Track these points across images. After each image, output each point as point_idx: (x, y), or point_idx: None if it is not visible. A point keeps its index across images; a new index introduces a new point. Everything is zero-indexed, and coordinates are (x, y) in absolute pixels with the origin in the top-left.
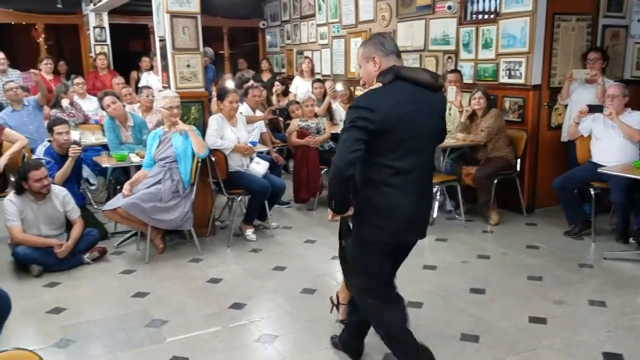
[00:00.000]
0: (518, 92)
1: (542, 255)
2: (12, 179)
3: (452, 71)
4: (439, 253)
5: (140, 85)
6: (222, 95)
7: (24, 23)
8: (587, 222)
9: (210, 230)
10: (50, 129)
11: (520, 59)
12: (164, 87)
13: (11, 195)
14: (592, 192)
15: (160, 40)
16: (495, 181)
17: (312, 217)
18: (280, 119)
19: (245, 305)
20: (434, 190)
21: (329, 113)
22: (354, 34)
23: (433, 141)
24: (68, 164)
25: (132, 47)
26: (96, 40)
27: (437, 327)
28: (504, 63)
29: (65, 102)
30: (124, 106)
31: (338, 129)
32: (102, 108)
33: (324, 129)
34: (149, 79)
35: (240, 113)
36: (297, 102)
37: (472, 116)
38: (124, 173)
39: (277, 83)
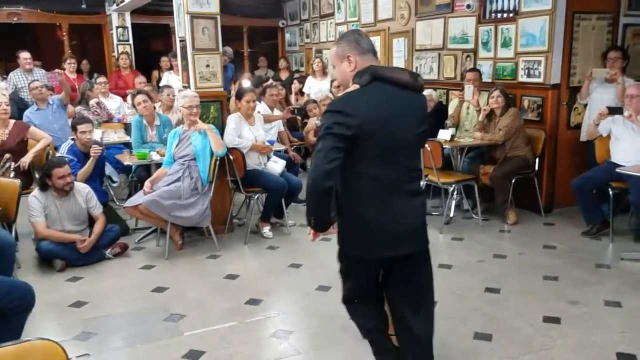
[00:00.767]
0: (537, 91)
1: (559, 255)
2: (37, 175)
3: (470, 70)
4: (455, 252)
5: (161, 84)
6: (239, 94)
7: (49, 23)
8: (605, 222)
9: (228, 228)
10: (73, 128)
11: (540, 58)
12: (184, 86)
13: (36, 191)
14: (611, 192)
15: (181, 41)
16: (513, 180)
17: None
18: (299, 117)
19: (261, 301)
20: (451, 189)
21: None
22: (372, 33)
23: (416, 145)
24: (89, 163)
25: (154, 47)
26: (119, 40)
27: (451, 325)
28: (523, 62)
29: (93, 101)
30: (154, 107)
31: None
32: (133, 106)
33: None
34: (170, 78)
35: (258, 112)
36: (315, 101)
37: (490, 115)
38: (145, 170)
39: (295, 82)
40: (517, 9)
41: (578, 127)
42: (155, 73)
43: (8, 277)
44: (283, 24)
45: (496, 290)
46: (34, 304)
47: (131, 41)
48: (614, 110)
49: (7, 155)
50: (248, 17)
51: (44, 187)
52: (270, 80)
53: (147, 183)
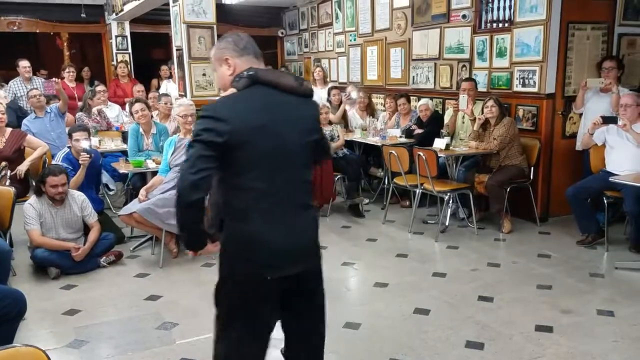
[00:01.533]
0: (532, 101)
1: (553, 264)
2: (33, 183)
3: (466, 79)
4: (449, 260)
5: (160, 92)
6: None
7: (49, 32)
8: (600, 231)
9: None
10: (70, 135)
11: (534, 68)
12: (180, 95)
13: (32, 199)
14: (606, 202)
15: (177, 50)
16: (508, 189)
17: (325, 224)
18: None
19: None
20: (446, 198)
21: (345, 120)
22: (370, 42)
23: (305, 154)
24: (80, 172)
25: (154, 55)
26: (118, 49)
27: (443, 333)
28: (518, 72)
29: (95, 109)
30: (151, 116)
31: (353, 136)
32: (131, 114)
33: (338, 136)
34: (168, 86)
35: None
36: None
37: (485, 124)
38: (140, 179)
39: None
40: (512, 19)
41: (573, 136)
42: (154, 81)
43: (3, 284)
44: (282, 33)
45: (489, 298)
46: (25, 311)
47: (130, 50)
48: (608, 120)
49: (3, 164)
50: (248, 26)
51: (38, 193)
52: None
53: (142, 191)
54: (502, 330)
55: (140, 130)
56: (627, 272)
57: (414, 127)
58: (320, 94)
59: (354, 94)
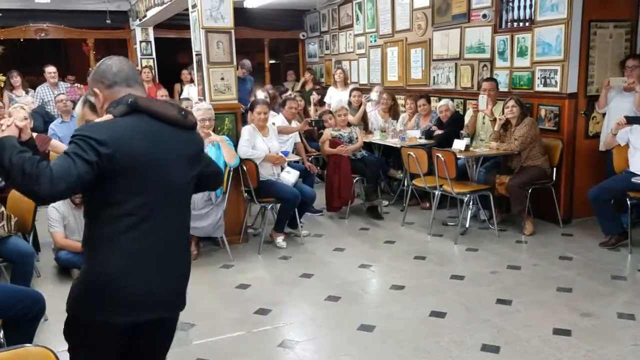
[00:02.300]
0: (553, 101)
1: (574, 266)
2: None
3: (487, 79)
4: (468, 263)
5: (181, 97)
6: (252, 106)
7: (76, 38)
8: (623, 232)
9: (242, 238)
10: None
11: (556, 67)
12: (199, 99)
13: (56, 202)
14: (629, 202)
15: (197, 55)
16: (530, 190)
17: (343, 226)
18: (315, 128)
19: (270, 311)
20: (465, 199)
21: (365, 122)
22: (390, 43)
23: (186, 194)
24: None
25: (180, 60)
26: (142, 54)
27: (459, 337)
28: (539, 71)
29: None
30: None
31: (372, 138)
32: None
33: (357, 138)
34: (190, 91)
35: (273, 124)
36: (331, 112)
37: (506, 125)
38: None
39: (314, 93)
40: (532, 18)
41: (597, 136)
42: (177, 86)
43: (27, 285)
44: (304, 35)
45: (507, 301)
46: (43, 312)
47: (154, 55)
48: (632, 120)
49: None
50: (269, 29)
51: None
52: (289, 92)
53: None
54: (519, 333)
55: None
56: None
57: (433, 128)
58: (340, 96)
59: (374, 96)
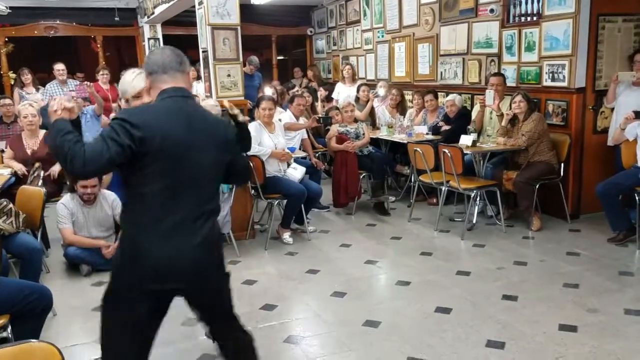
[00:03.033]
0: (561, 95)
1: (582, 262)
2: (67, 183)
3: (494, 74)
4: (475, 259)
5: None
6: (258, 102)
7: (85, 36)
8: (632, 228)
9: (249, 234)
10: None
11: (564, 62)
12: (206, 95)
13: (64, 198)
14: (637, 198)
15: (203, 51)
16: (537, 186)
17: (350, 222)
18: (322, 124)
19: (276, 307)
20: (472, 195)
21: (372, 117)
22: (397, 39)
23: (210, 175)
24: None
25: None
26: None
27: (464, 333)
28: (547, 66)
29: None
30: None
31: (379, 134)
32: None
33: (363, 134)
34: (197, 87)
35: (279, 120)
36: (337, 108)
37: (514, 120)
38: None
39: (321, 89)
40: (540, 12)
41: (605, 131)
42: None
43: (35, 281)
44: (311, 31)
45: (513, 297)
46: (50, 307)
47: None
48: None
49: (37, 164)
50: (277, 25)
51: (72, 190)
52: (297, 88)
53: None
54: (525, 329)
55: None
56: None
57: (441, 123)
58: (348, 92)
59: (381, 91)
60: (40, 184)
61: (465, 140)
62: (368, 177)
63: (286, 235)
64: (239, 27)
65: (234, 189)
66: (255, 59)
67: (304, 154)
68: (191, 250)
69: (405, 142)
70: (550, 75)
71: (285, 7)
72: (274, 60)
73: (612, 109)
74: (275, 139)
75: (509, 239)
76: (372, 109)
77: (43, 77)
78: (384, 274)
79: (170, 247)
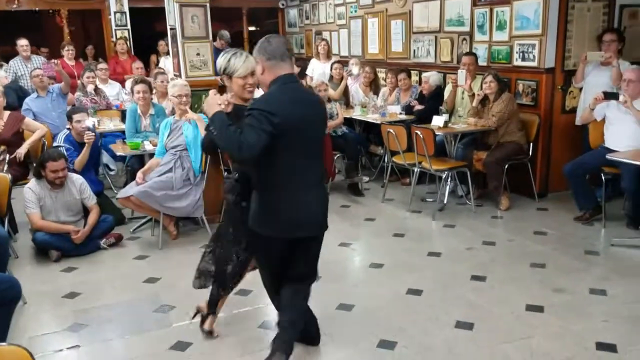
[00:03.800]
0: (531, 75)
1: (549, 241)
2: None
3: (466, 54)
4: (445, 239)
5: (157, 69)
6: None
7: (49, 10)
8: (598, 207)
9: (222, 216)
10: (69, 117)
11: (534, 42)
12: (175, 75)
13: (31, 183)
14: (604, 178)
15: (171, 29)
16: (506, 166)
17: None
18: None
19: (251, 292)
20: (444, 176)
21: (346, 97)
22: (371, 14)
23: (320, 145)
24: (85, 151)
25: (156, 28)
26: (117, 25)
27: (434, 313)
28: (518, 45)
29: (90, 88)
30: (151, 99)
31: (352, 113)
32: (131, 92)
33: (337, 114)
34: (166, 63)
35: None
36: (310, 87)
37: (485, 100)
38: (139, 160)
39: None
40: None
41: (573, 111)
42: (153, 57)
43: (2, 271)
44: (283, 4)
45: (482, 278)
46: (19, 297)
47: (129, 26)
48: (609, 95)
49: (2, 147)
50: None
51: (38, 175)
52: None
53: (139, 174)
54: (493, 309)
55: (139, 111)
56: (623, 249)
57: (414, 103)
58: (323, 68)
59: (355, 69)
60: (5, 168)
61: (437, 121)
62: (342, 158)
63: None
64: (207, 4)
65: (206, 173)
66: (226, 33)
67: None
68: (317, 205)
69: (379, 122)
70: (521, 54)
71: None
72: (245, 34)
73: (581, 89)
74: None
75: (478, 218)
76: (346, 87)
77: (6, 51)
78: (358, 256)
79: (302, 204)
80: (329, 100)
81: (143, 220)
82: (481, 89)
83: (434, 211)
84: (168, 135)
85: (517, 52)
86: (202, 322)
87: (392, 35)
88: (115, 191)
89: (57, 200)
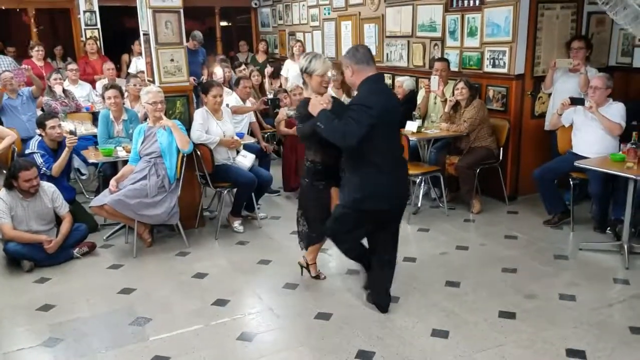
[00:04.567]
0: (501, 82)
1: (519, 246)
2: (4, 171)
3: (438, 59)
4: (420, 244)
5: (129, 70)
6: (205, 88)
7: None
8: (566, 210)
9: (199, 222)
10: (41, 125)
11: (504, 48)
12: (149, 81)
13: (2, 192)
14: (572, 183)
15: (144, 34)
16: (478, 170)
17: None
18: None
19: (228, 302)
20: (418, 180)
21: None
22: (344, 17)
23: (399, 131)
24: (65, 155)
25: (127, 25)
26: (86, 24)
27: (411, 322)
28: (489, 52)
29: (58, 89)
30: (123, 103)
31: None
32: (102, 96)
33: None
34: (138, 64)
35: (227, 105)
36: (286, 91)
37: (456, 106)
38: (112, 166)
39: (268, 65)
40: None
41: (542, 116)
42: (125, 57)
43: None
44: (256, 4)
45: (456, 284)
46: None
47: (99, 26)
48: (576, 101)
49: None
50: None
51: (9, 187)
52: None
53: (112, 182)
54: (467, 317)
55: (111, 116)
56: (591, 253)
57: None
58: (297, 69)
59: (329, 73)
60: None
61: (411, 126)
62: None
63: (236, 224)
64: (181, 10)
65: (181, 180)
66: (199, 34)
67: (252, 140)
68: (403, 181)
69: None
70: (492, 61)
71: None
72: (218, 32)
73: (550, 95)
74: (224, 126)
75: (451, 222)
76: None
77: None
78: (334, 262)
79: (393, 179)
80: None
81: (116, 227)
82: (453, 94)
83: (409, 214)
84: (142, 142)
85: (487, 59)
86: (308, 270)
87: (365, 39)
88: (87, 196)
89: (29, 209)
